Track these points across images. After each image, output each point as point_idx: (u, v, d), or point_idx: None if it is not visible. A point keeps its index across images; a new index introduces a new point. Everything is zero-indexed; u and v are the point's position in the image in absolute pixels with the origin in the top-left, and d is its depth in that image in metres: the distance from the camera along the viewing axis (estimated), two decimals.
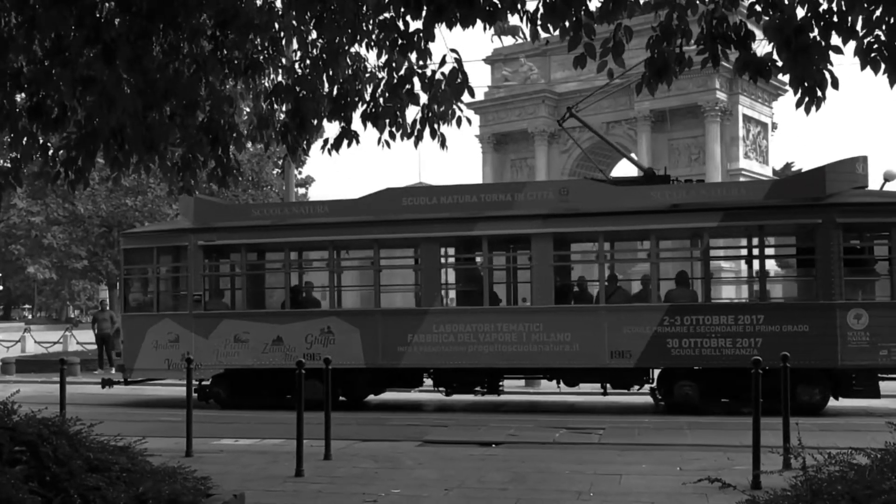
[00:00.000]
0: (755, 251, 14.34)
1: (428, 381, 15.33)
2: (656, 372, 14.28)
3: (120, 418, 12.46)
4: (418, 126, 6.45)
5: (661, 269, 14.66)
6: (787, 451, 7.98)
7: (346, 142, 6.74)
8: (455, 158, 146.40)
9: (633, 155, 15.13)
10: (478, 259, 15.36)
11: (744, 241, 15.25)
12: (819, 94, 4.91)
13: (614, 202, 13.92)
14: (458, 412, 14.76)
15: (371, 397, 16.21)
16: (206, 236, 15.31)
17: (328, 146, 6.73)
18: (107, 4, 6.19)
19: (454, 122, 6.38)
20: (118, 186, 32.97)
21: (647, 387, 14.51)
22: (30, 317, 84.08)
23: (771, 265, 14.90)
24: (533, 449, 10.61)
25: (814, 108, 4.96)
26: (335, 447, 9.86)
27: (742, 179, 70.48)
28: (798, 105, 4.95)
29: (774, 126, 76.89)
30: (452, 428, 12.58)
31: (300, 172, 50.49)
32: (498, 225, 14.23)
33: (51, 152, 7.02)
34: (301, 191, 52.15)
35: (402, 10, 5.68)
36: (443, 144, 6.61)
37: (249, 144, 8.25)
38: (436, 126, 6.41)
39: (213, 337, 15.13)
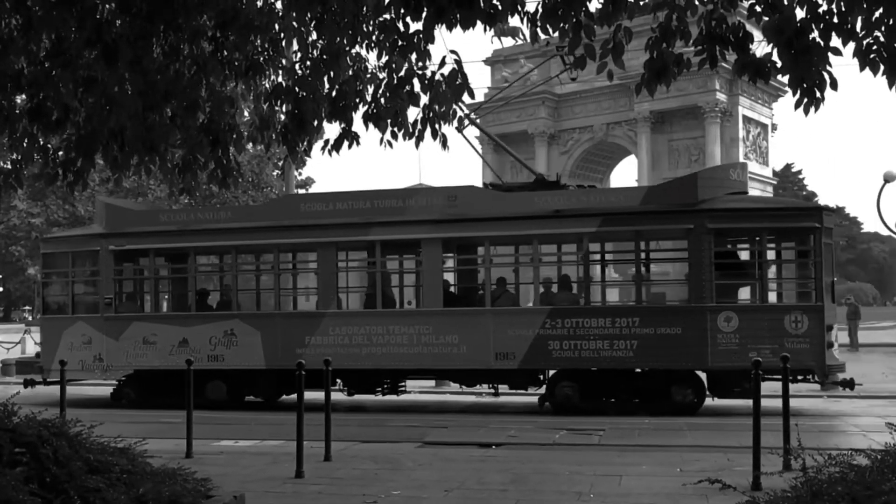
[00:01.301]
0: (631, 255, 14.64)
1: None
2: (552, 373, 14.60)
3: (120, 420, 12.46)
4: (419, 126, 6.45)
5: (545, 272, 15.17)
6: (787, 452, 7.99)
7: (346, 142, 6.74)
8: (455, 159, 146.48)
9: (532, 162, 15.64)
10: (372, 263, 15.81)
11: (621, 246, 15.66)
12: (818, 95, 4.91)
13: (500, 208, 14.33)
14: (458, 413, 14.77)
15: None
16: (117, 241, 15.80)
17: (329, 147, 6.74)
18: (107, 6, 6.19)
19: (455, 122, 6.39)
20: (118, 188, 32.99)
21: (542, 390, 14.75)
22: (30, 318, 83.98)
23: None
24: (533, 450, 10.62)
25: (813, 109, 4.96)
26: (335, 448, 9.86)
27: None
28: (797, 106, 4.95)
29: (774, 127, 76.89)
30: (452, 429, 12.58)
31: (300, 174, 50.55)
32: (390, 230, 14.66)
33: (51, 153, 7.02)
34: (301, 192, 52.17)
35: (403, 11, 5.68)
36: (444, 145, 6.62)
37: (250, 146, 8.26)
38: (437, 126, 6.41)
39: (123, 339, 15.62)
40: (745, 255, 15.01)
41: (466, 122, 15.50)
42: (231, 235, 15.37)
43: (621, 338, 13.51)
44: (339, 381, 15.09)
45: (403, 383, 15.59)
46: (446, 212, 14.41)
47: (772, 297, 14.46)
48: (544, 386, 14.53)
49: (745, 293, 14.78)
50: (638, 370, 13.88)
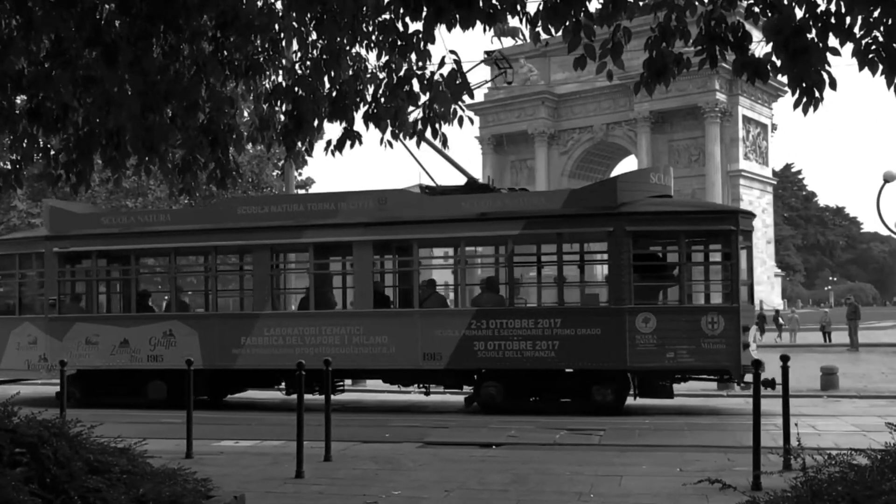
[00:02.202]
0: (554, 258, 14.81)
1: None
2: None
3: (120, 420, 12.46)
4: (419, 126, 6.45)
5: (471, 274, 15.57)
6: (787, 452, 8.00)
7: (348, 143, 6.75)
8: (455, 159, 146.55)
9: (459, 162, 16.00)
10: (305, 265, 16.11)
11: (544, 248, 15.77)
12: (817, 94, 4.91)
13: (429, 211, 14.60)
14: (459, 414, 14.78)
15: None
16: (61, 243, 16.02)
17: (331, 147, 6.74)
18: (107, 6, 6.20)
19: (455, 121, 6.38)
20: (118, 188, 33.00)
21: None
22: None
23: (572, 271, 15.48)
24: (533, 450, 10.62)
25: (812, 109, 4.96)
26: (335, 449, 9.86)
27: (742, 180, 70.78)
28: (796, 106, 4.95)
29: (774, 127, 76.97)
30: (453, 429, 12.58)
31: (300, 174, 50.51)
32: (323, 233, 14.90)
33: (52, 154, 7.02)
34: (301, 192, 52.17)
35: (402, 11, 5.69)
36: (444, 144, 6.62)
37: (250, 146, 8.28)
38: (437, 126, 6.41)
39: (66, 339, 15.87)
40: (664, 258, 15.23)
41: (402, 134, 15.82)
42: (170, 238, 15.67)
43: (543, 338, 13.73)
44: (283, 382, 15.54)
45: (341, 383, 15.99)
46: (376, 215, 14.66)
47: (699, 298, 14.92)
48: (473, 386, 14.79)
49: (668, 294, 15.02)
50: (561, 370, 14.14)
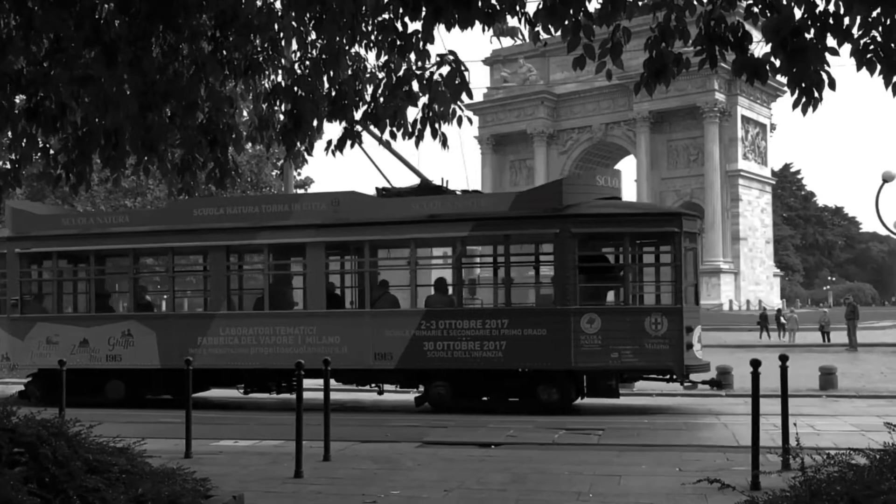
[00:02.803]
0: (501, 259, 14.98)
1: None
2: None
3: (119, 420, 12.46)
4: (419, 126, 6.45)
5: (427, 275, 15.78)
6: (786, 451, 8.00)
7: (349, 142, 6.75)
8: (455, 160, 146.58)
9: (412, 163, 16.26)
10: (260, 266, 16.34)
11: (492, 249, 15.95)
12: (816, 94, 4.91)
13: (380, 213, 14.82)
14: (458, 413, 14.78)
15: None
16: (23, 244, 16.25)
17: (331, 147, 6.74)
18: (106, 6, 6.19)
19: (454, 121, 6.38)
20: (117, 188, 33.00)
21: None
22: None
23: (521, 272, 15.64)
24: (532, 450, 10.62)
25: (811, 109, 4.96)
26: (334, 448, 9.87)
27: (741, 180, 70.77)
28: (795, 106, 4.95)
29: (773, 127, 77.03)
30: (452, 429, 12.58)
31: (299, 173, 50.52)
32: (277, 234, 15.12)
33: (51, 154, 7.02)
34: (301, 192, 52.18)
35: (401, 11, 5.69)
36: (444, 144, 6.61)
37: (249, 146, 8.30)
38: (437, 126, 6.41)
39: (28, 339, 16.11)
40: (610, 259, 15.37)
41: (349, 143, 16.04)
42: (129, 239, 15.87)
43: (491, 339, 13.89)
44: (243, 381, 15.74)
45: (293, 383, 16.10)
46: (329, 216, 14.85)
47: (651, 299, 15.00)
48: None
49: (609, 296, 15.24)
50: (509, 370, 14.26)
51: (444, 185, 16.20)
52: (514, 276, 14.87)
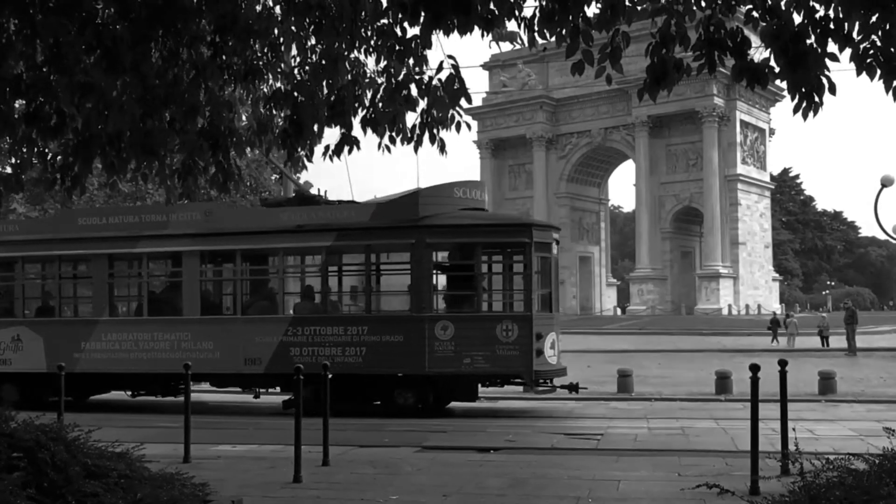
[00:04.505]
0: (362, 268, 15.50)
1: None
2: None
3: (118, 424, 12.45)
4: (417, 131, 6.45)
5: (293, 283, 16.37)
6: (785, 456, 8.00)
7: (346, 147, 6.74)
8: (454, 164, 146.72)
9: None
10: (140, 274, 16.91)
11: (354, 258, 16.34)
12: (816, 99, 4.91)
13: (251, 223, 15.75)
14: (457, 418, 14.78)
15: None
16: None
17: (329, 152, 6.74)
18: (107, 11, 6.19)
19: (453, 126, 6.38)
20: (116, 192, 32.97)
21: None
22: None
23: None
24: (531, 454, 10.62)
25: (812, 114, 4.97)
26: (333, 453, 9.85)
27: (740, 184, 70.75)
28: (795, 111, 4.96)
29: (772, 131, 77.07)
30: (451, 433, 12.58)
31: (298, 178, 50.47)
32: (155, 243, 15.82)
33: (49, 158, 7.02)
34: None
35: (400, 16, 5.69)
36: (442, 149, 6.61)
37: (248, 150, 8.28)
38: (435, 131, 6.41)
39: None
40: (465, 268, 15.66)
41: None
42: (18, 247, 16.41)
43: (352, 345, 14.48)
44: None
45: (181, 385, 16.40)
46: (203, 226, 15.45)
47: (510, 307, 15.46)
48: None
49: (464, 304, 15.50)
50: (370, 374, 14.66)
51: (322, 195, 16.80)
52: (376, 285, 15.43)
